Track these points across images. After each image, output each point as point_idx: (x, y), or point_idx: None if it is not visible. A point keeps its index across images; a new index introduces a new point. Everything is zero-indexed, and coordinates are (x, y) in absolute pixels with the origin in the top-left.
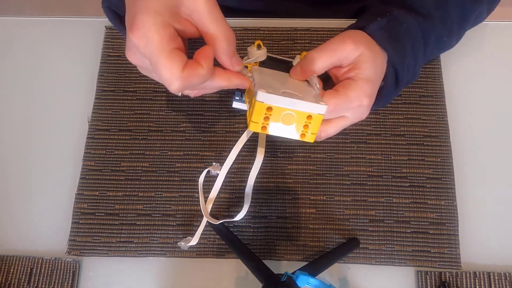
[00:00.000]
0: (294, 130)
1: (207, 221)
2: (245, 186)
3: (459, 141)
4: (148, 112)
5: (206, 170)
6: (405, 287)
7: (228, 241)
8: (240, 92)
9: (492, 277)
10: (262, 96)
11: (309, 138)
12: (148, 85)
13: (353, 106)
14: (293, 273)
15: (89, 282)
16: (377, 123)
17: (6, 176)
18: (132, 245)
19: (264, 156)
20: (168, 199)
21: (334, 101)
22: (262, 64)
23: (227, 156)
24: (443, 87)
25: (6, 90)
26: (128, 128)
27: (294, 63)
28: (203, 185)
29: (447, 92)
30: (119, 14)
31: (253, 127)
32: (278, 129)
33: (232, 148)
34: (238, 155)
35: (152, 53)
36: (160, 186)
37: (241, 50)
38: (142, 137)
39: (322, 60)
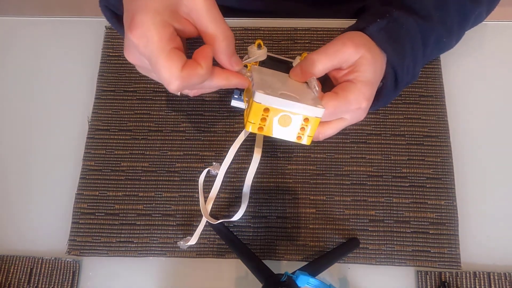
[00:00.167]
0: (290, 132)
1: (207, 221)
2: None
3: (459, 141)
4: (148, 112)
5: (206, 170)
6: (405, 287)
7: (228, 241)
8: (239, 91)
9: (492, 277)
10: (260, 97)
11: (306, 141)
12: (148, 85)
13: (352, 108)
14: (293, 273)
15: (89, 282)
16: (377, 123)
17: (6, 176)
18: (132, 245)
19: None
20: (168, 199)
21: (333, 104)
22: (262, 63)
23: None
24: (443, 87)
25: (6, 90)
26: (128, 128)
27: (294, 64)
28: (203, 185)
29: (447, 92)
30: (117, 13)
31: (249, 128)
32: (275, 130)
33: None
34: (237, 155)
35: (152, 53)
36: (160, 186)
37: (241, 50)
38: (142, 137)
39: (323, 62)
